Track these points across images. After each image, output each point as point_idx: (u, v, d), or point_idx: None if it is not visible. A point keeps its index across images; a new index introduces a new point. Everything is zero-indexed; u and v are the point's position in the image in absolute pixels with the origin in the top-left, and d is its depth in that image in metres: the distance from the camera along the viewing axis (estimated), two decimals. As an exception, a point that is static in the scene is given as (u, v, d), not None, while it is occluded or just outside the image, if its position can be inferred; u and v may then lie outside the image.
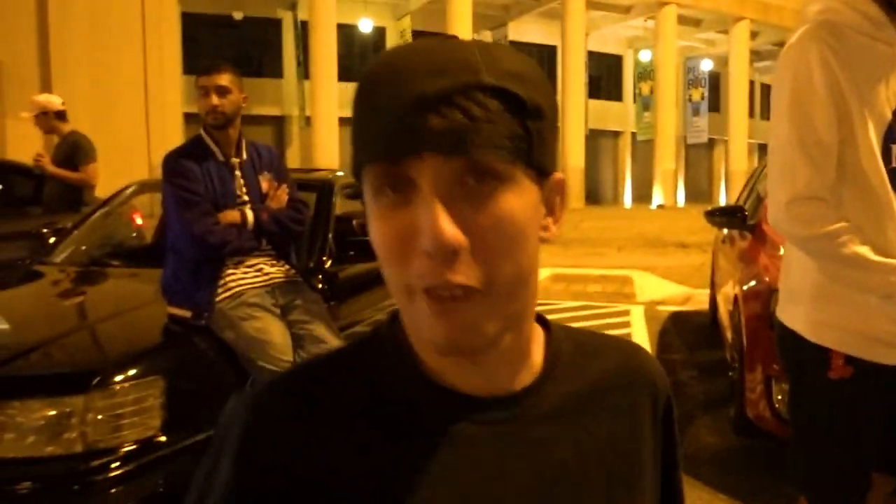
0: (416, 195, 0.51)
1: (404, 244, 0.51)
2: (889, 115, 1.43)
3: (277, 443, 0.55)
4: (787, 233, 1.49)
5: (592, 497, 0.60)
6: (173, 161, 2.55)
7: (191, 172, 2.52)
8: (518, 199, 0.53)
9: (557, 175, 0.58)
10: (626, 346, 0.70)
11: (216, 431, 0.58)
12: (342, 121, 19.41)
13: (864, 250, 1.40)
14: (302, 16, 20.12)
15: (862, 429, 1.52)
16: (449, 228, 0.49)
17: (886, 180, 1.43)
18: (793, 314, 1.57)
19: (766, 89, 33.72)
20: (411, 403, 0.58)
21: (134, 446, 2.09)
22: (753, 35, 26.76)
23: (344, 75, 19.23)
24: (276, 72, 22.20)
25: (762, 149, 31.12)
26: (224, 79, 2.60)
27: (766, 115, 33.49)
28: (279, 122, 22.26)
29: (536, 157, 0.54)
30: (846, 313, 1.47)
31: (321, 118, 19.23)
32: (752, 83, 29.16)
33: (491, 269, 0.52)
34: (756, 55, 28.78)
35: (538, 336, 0.64)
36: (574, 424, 0.61)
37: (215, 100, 2.57)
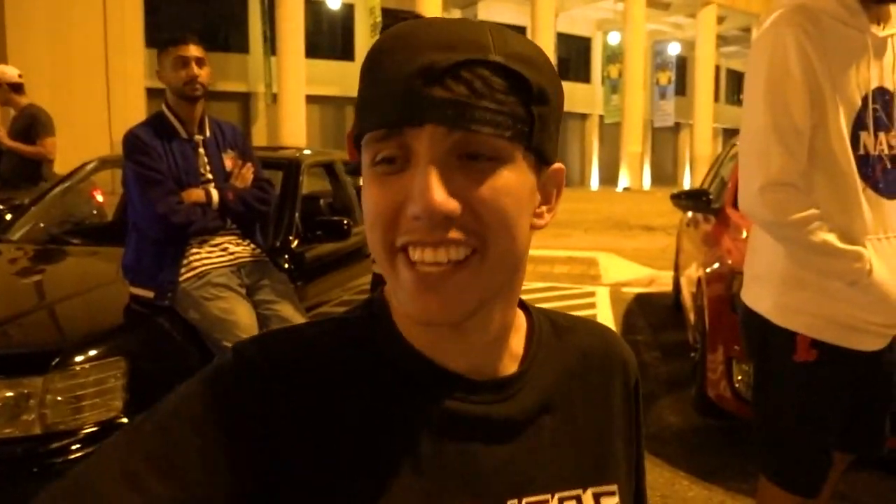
0: (414, 163, 0.52)
1: (396, 209, 0.52)
2: (859, 102, 1.45)
3: (255, 400, 0.54)
4: (759, 218, 1.50)
5: (568, 480, 0.62)
6: (134, 138, 2.48)
7: (153, 150, 2.46)
8: (514, 179, 0.54)
9: (557, 165, 0.59)
10: (596, 328, 0.72)
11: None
12: (309, 98, 19.14)
13: (832, 238, 1.42)
14: (269, -10, 19.71)
15: (825, 410, 1.56)
16: (440, 194, 0.50)
17: (854, 167, 1.45)
18: (759, 297, 1.60)
19: (731, 74, 34.16)
20: (402, 375, 0.58)
21: (95, 428, 2.06)
22: (720, 20, 26.98)
23: (312, 52, 18.91)
24: (242, 47, 21.76)
25: (727, 133, 31.62)
26: (199, 50, 2.55)
27: (731, 100, 34.02)
28: (245, 99, 21.86)
29: (537, 141, 0.55)
30: (813, 298, 1.50)
31: (288, 95, 18.93)
32: (717, 68, 29.46)
33: (481, 240, 0.53)
34: (722, 40, 29.07)
35: (520, 320, 0.65)
36: (554, 411, 0.63)
37: (196, 69, 2.51)
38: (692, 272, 4.32)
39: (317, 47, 19.52)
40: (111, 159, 4.09)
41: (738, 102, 33.50)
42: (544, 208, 0.60)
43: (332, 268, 3.59)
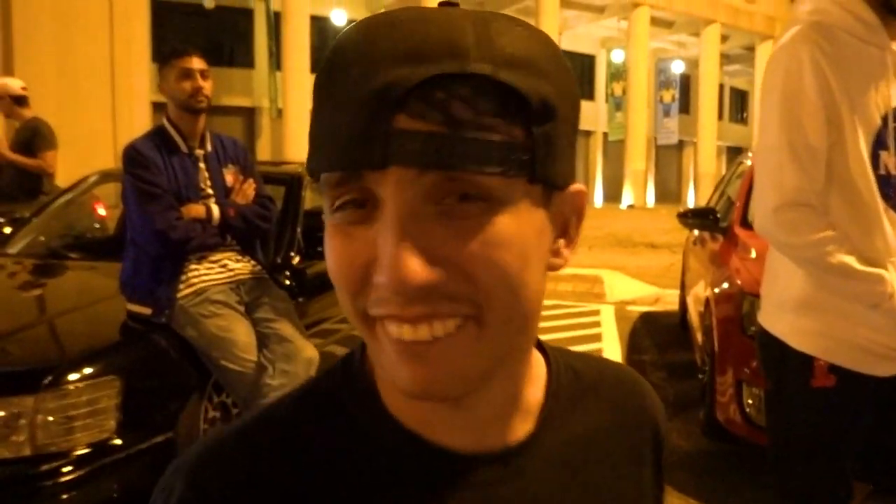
0: (380, 214, 0.41)
1: (363, 269, 0.42)
2: (878, 121, 1.41)
3: None
4: (774, 239, 1.46)
5: None
6: (134, 151, 2.44)
7: (153, 164, 2.42)
8: (514, 224, 0.42)
9: (575, 187, 0.47)
10: (626, 378, 0.61)
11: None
12: (314, 113, 19.19)
13: (851, 259, 1.37)
14: (275, 6, 19.86)
15: (843, 437, 1.50)
16: (413, 263, 0.39)
17: (875, 187, 1.40)
18: (776, 320, 1.54)
19: (734, 92, 34.25)
20: (388, 457, 0.48)
21: (87, 450, 2.00)
22: (724, 38, 27.09)
23: (317, 67, 19.00)
24: (247, 62, 21.90)
25: (730, 151, 31.63)
26: (202, 63, 2.53)
27: (734, 118, 34.07)
28: (249, 114, 21.95)
29: (542, 170, 0.42)
30: (831, 321, 1.45)
31: (293, 110, 19.01)
32: (721, 86, 29.55)
33: (475, 306, 0.42)
34: (726, 58, 29.16)
35: (537, 367, 0.53)
36: (574, 478, 0.52)
37: (200, 81, 2.48)
38: (699, 291, 4.25)
39: (321, 63, 19.62)
40: (113, 173, 4.06)
41: (742, 120, 33.57)
42: (561, 242, 0.48)
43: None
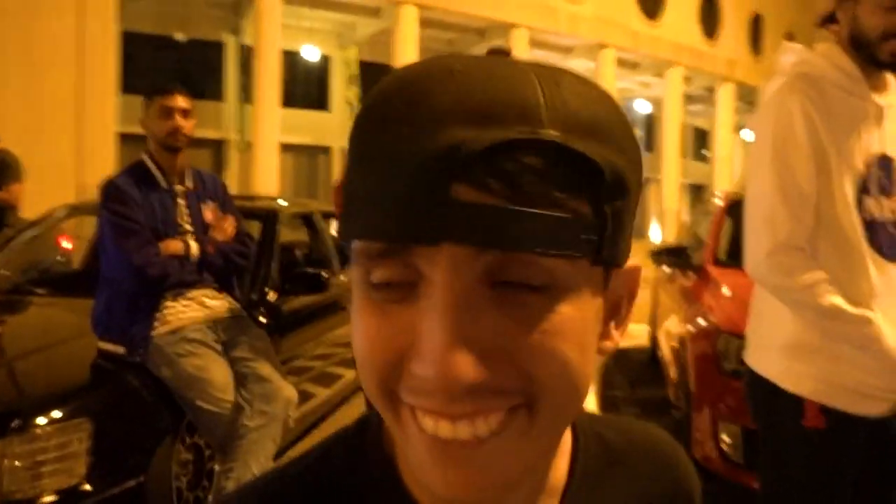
0: (425, 294, 0.36)
1: (399, 353, 0.37)
2: (862, 168, 1.45)
3: None
4: (768, 282, 1.48)
5: None
6: (113, 187, 2.40)
7: (131, 199, 2.38)
8: (576, 312, 0.37)
9: (631, 265, 0.42)
10: (658, 447, 0.56)
11: None
12: (284, 147, 19.13)
13: (840, 301, 1.40)
14: (246, 40, 19.90)
15: (834, 480, 1.51)
16: (463, 361, 0.34)
17: (860, 231, 1.44)
18: (764, 361, 1.56)
19: (697, 132, 35.12)
20: None
21: (55, 497, 1.91)
22: (686, 80, 27.88)
23: (288, 101, 18.99)
24: (217, 94, 21.81)
25: (692, 188, 32.29)
26: (186, 101, 2.50)
27: (696, 156, 34.85)
28: (217, 146, 21.80)
29: (608, 251, 0.38)
30: (821, 363, 1.47)
31: (262, 144, 18.93)
32: (684, 126, 30.30)
33: (527, 397, 0.37)
34: (689, 99, 29.97)
35: (564, 440, 0.48)
36: None
37: (180, 121, 2.46)
38: (672, 326, 4.29)
39: (293, 96, 19.65)
40: (81, 206, 3.98)
41: (703, 158, 34.36)
42: (612, 325, 0.43)
43: (309, 320, 3.49)
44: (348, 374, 3.78)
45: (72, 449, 1.97)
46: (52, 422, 1.96)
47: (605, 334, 0.42)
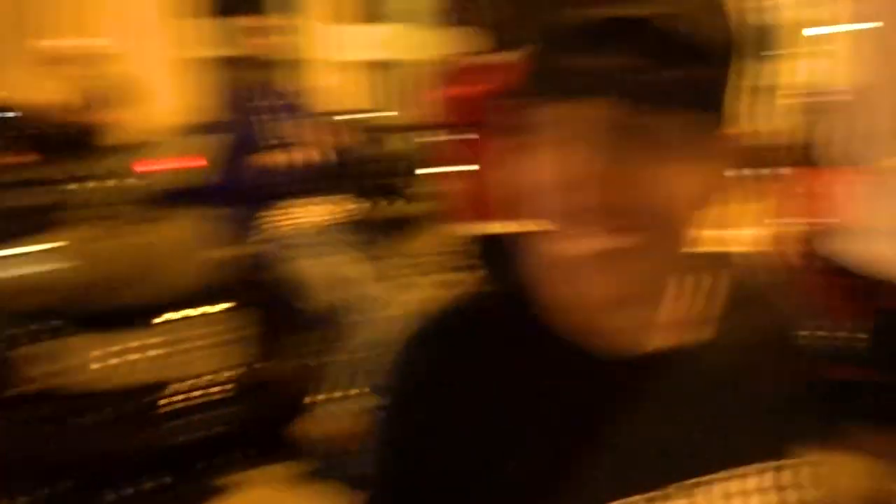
0: (575, 135, 0.46)
1: (550, 186, 0.48)
2: None
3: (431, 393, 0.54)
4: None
5: (743, 457, 0.54)
6: None
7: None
8: (696, 161, 0.48)
9: (734, 129, 0.50)
10: (780, 305, 0.62)
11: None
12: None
13: None
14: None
15: None
16: (604, 181, 0.46)
17: None
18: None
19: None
20: (549, 361, 0.54)
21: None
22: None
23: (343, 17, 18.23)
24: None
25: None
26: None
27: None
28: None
29: (721, 106, 0.48)
30: None
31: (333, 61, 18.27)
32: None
33: (653, 231, 0.48)
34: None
35: (702, 279, 0.57)
36: (717, 396, 0.55)
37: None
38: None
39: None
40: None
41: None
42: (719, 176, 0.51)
43: (396, 228, 3.60)
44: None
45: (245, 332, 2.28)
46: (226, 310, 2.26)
47: (715, 186, 0.51)
